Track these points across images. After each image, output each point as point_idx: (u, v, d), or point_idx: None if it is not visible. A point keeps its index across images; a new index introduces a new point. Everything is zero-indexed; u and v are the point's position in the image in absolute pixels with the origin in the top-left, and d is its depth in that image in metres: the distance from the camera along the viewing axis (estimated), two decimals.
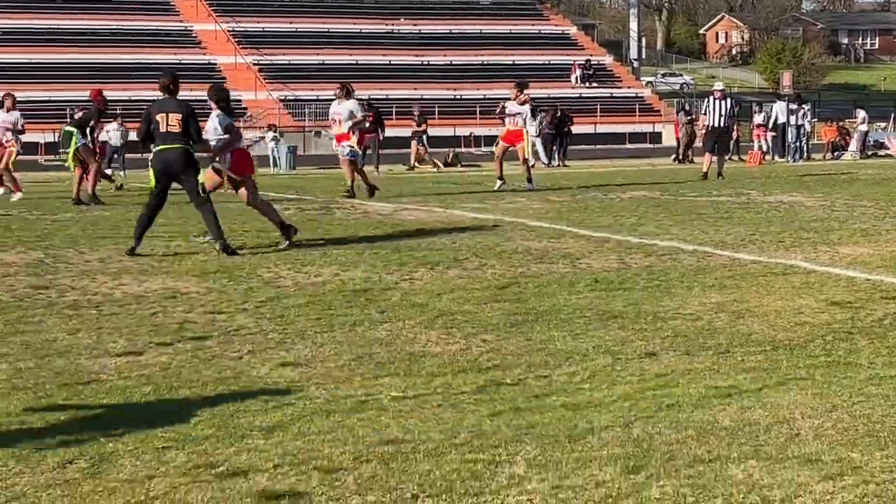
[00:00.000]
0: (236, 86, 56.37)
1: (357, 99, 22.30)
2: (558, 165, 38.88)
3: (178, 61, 57.54)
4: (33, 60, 55.12)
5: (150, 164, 13.48)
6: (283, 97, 55.11)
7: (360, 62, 59.68)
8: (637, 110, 60.58)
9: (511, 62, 62.16)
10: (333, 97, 21.57)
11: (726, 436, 5.79)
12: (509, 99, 23.18)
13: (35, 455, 5.55)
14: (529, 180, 22.58)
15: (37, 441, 5.77)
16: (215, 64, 58.42)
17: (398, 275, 11.13)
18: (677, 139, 41.44)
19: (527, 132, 23.07)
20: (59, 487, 5.12)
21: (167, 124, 13.14)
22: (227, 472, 5.30)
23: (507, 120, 23.06)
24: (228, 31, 60.28)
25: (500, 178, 22.74)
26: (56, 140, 30.39)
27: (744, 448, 5.59)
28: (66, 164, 21.37)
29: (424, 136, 40.34)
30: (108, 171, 30.60)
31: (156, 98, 14.28)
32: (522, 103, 22.74)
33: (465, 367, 7.38)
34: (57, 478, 5.24)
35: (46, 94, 50.08)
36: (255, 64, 57.96)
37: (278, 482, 5.17)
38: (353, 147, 20.67)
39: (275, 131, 43.05)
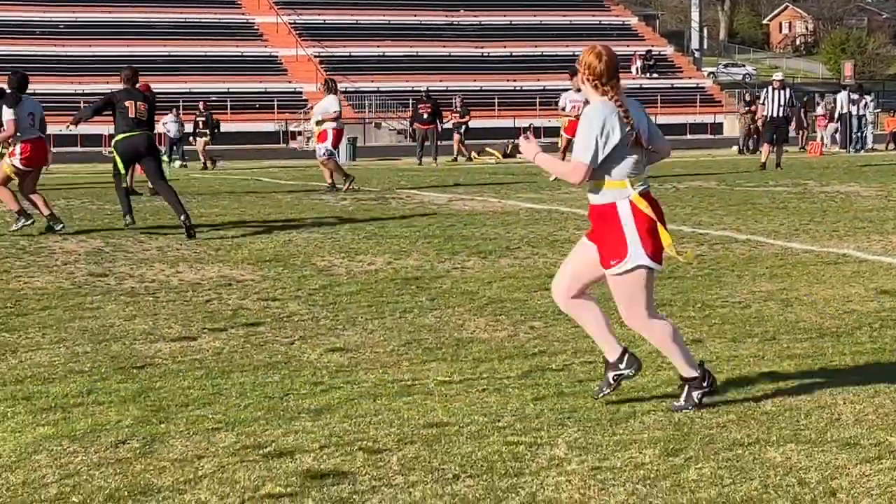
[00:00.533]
0: (297, 78, 56.82)
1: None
2: None
3: (239, 54, 58.09)
4: (97, 53, 55.79)
5: (114, 148, 14.15)
6: (343, 89, 55.38)
7: (419, 54, 59.86)
8: (698, 101, 60.29)
9: (571, 53, 62.03)
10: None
11: (767, 420, 5.85)
12: (568, 90, 23.26)
13: (89, 435, 5.72)
14: None
15: (92, 422, 5.94)
16: (276, 56, 58.84)
17: (450, 263, 11.25)
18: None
19: None
20: (112, 466, 5.27)
21: (136, 111, 13.78)
22: (274, 453, 5.43)
23: (568, 109, 23.13)
24: (290, 23, 60.66)
25: None
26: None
27: (783, 432, 5.64)
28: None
29: (463, 128, 39.77)
30: (165, 160, 30.96)
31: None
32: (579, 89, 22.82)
33: (511, 352, 7.48)
34: (110, 457, 5.39)
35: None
36: (315, 56, 58.31)
37: (323, 462, 5.29)
38: (328, 148, 20.74)
39: None
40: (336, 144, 21.64)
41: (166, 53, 56.18)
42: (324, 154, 20.69)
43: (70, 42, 56.02)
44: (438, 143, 36.36)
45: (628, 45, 64.53)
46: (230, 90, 54.00)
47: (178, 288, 10.07)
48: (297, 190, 21.32)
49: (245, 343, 7.84)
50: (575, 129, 21.30)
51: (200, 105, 38.35)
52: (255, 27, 61.51)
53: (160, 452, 5.46)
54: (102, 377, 6.91)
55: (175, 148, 38.59)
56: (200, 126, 36.68)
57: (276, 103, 53.64)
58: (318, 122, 21.16)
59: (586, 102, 6.44)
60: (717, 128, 57.87)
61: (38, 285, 10.24)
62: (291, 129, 51.67)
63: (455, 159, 37.79)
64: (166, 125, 39.28)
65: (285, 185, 23.28)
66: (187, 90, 52.01)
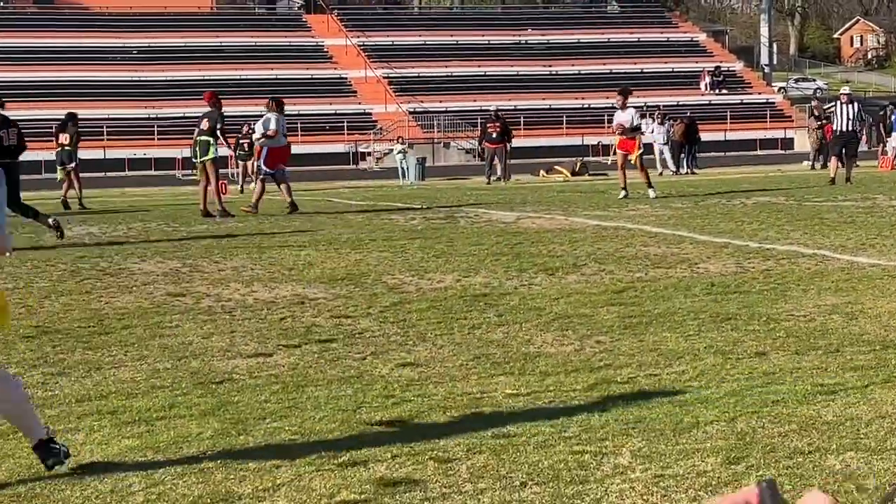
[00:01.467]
0: (366, 99, 57.32)
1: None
2: (686, 173, 38.79)
3: (309, 76, 58.69)
4: (171, 78, 56.64)
5: None
6: (411, 109, 55.79)
7: (488, 73, 60.14)
8: (768, 116, 60.00)
9: (639, 70, 62.11)
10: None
11: (828, 430, 5.98)
12: (616, 109, 23.47)
13: (172, 447, 5.97)
14: (650, 186, 22.73)
15: (174, 434, 6.20)
16: (346, 78, 59.39)
17: (517, 280, 11.45)
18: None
19: (639, 139, 23.25)
20: (195, 475, 5.51)
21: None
22: (349, 462, 5.65)
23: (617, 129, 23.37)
24: (359, 45, 61.24)
25: (624, 188, 22.85)
26: (189, 156, 31.28)
27: (844, 441, 5.77)
28: (196, 172, 22.19)
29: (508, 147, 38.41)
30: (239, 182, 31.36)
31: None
32: (625, 109, 22.95)
33: (577, 366, 7.65)
34: (192, 467, 5.64)
35: (181, 111, 51.43)
36: (384, 77, 58.78)
37: (395, 471, 5.51)
38: (259, 164, 20.64)
39: (402, 143, 43.46)
40: (273, 164, 21.23)
41: (238, 77, 56.93)
42: (260, 172, 20.41)
43: (144, 67, 56.95)
44: (508, 162, 36.54)
45: (697, 62, 64.44)
46: (301, 112, 54.59)
47: (253, 306, 10.35)
48: (367, 210, 21.64)
49: (319, 359, 8.09)
50: (626, 146, 21.02)
51: (244, 128, 37.48)
52: (325, 50, 62.15)
53: (240, 462, 5.70)
54: (183, 392, 7.18)
55: (257, 170, 38.74)
56: (245, 148, 36.09)
57: (345, 124, 54.16)
58: (258, 139, 21.35)
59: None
60: (787, 143, 57.58)
61: (119, 305, 10.58)
62: (361, 149, 52.14)
63: (498, 178, 37.13)
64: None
65: (356, 205, 23.60)
66: (260, 113, 52.64)
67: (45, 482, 5.41)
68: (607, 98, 58.36)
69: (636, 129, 23.17)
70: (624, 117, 22.92)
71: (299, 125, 52.73)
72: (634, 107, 23.59)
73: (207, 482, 5.39)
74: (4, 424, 6.41)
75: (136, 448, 5.94)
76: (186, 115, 51.03)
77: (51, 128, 48.72)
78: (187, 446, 5.96)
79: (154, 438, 6.12)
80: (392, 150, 43.91)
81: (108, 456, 5.82)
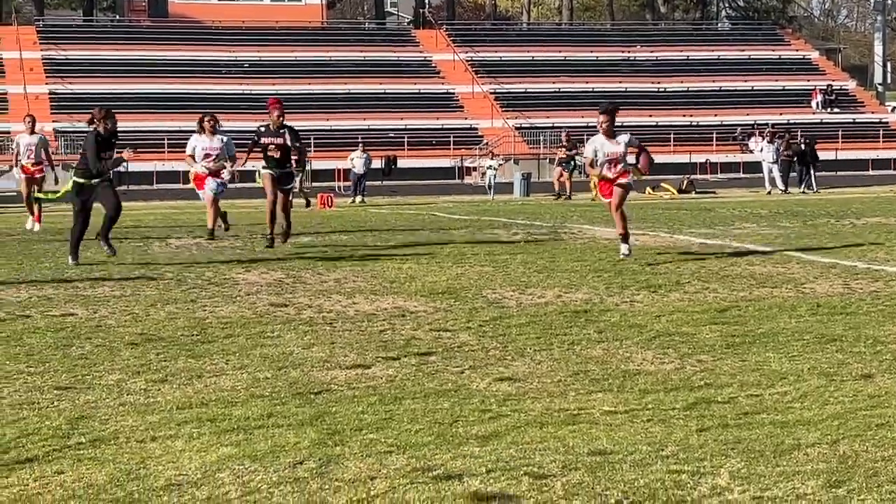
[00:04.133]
0: (473, 114, 57.43)
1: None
2: (803, 192, 38.25)
3: (417, 90, 58.97)
4: (279, 92, 57.27)
5: None
6: (518, 125, 55.75)
7: (595, 89, 59.87)
8: (881, 136, 58.91)
9: (749, 88, 61.39)
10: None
11: None
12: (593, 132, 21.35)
13: (269, 455, 6.01)
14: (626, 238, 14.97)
15: (272, 443, 6.24)
16: (453, 93, 59.54)
17: (619, 297, 11.36)
18: None
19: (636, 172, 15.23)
20: (290, 485, 5.54)
21: None
22: (443, 476, 5.64)
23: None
24: (466, 60, 61.38)
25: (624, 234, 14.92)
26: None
27: None
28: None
29: (572, 162, 37.90)
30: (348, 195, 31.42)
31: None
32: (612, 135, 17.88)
33: (677, 385, 7.57)
34: (288, 476, 5.67)
35: (292, 124, 51.88)
36: (491, 92, 58.83)
37: (490, 485, 5.48)
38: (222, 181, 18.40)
39: (493, 159, 42.88)
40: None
41: (346, 91, 57.39)
42: (217, 190, 18.38)
43: (255, 81, 57.66)
44: None
45: (808, 80, 63.47)
46: (408, 126, 54.86)
47: (353, 318, 10.41)
48: (470, 225, 21.66)
49: (417, 371, 8.10)
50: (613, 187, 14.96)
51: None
52: (433, 64, 62.40)
53: (335, 473, 5.72)
54: (282, 401, 7.23)
55: (360, 182, 39.21)
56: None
57: (452, 139, 54.30)
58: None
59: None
60: None
61: (222, 314, 10.70)
62: (467, 164, 52.22)
63: (558, 196, 36.71)
64: (353, 161, 40.02)
65: (459, 219, 23.63)
66: (366, 127, 53.04)
67: (143, 488, 5.48)
68: (715, 115, 57.92)
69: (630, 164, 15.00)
70: (611, 147, 14.70)
71: (406, 139, 53.03)
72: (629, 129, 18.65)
73: (303, 491, 5.42)
74: (105, 430, 6.52)
75: (233, 456, 5.99)
76: (296, 127, 51.58)
77: (163, 139, 49.60)
78: (284, 455, 6.00)
79: (252, 447, 6.17)
80: (484, 165, 43.74)
81: (206, 463, 5.87)
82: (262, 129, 17.68)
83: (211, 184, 18.19)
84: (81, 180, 14.96)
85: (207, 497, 5.34)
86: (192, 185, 18.75)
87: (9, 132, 45.45)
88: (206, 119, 18.64)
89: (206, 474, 5.69)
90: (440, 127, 55.98)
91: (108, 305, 11.27)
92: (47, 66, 57.51)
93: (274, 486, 5.52)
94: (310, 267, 14.31)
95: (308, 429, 6.53)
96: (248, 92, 56.92)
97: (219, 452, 6.06)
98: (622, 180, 14.58)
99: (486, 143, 53.30)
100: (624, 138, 14.73)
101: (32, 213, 22.40)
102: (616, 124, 14.66)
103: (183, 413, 6.92)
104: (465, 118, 57.58)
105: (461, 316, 10.43)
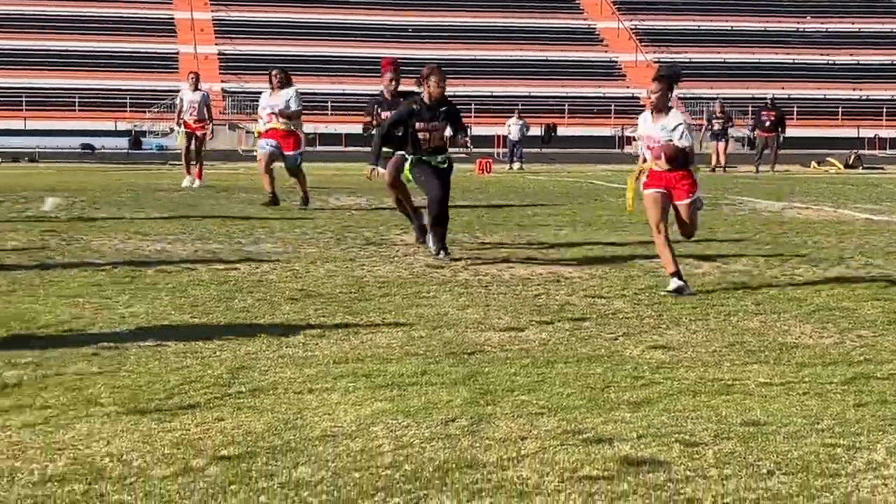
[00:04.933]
0: (636, 83, 56.93)
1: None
2: None
3: (579, 58, 58.69)
4: (445, 56, 57.56)
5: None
6: (681, 95, 55.10)
7: (762, 61, 58.85)
8: None
9: None
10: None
11: None
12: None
13: (422, 412, 6.10)
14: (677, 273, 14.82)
15: (424, 400, 6.33)
16: (616, 61, 59.11)
17: (778, 270, 11.20)
18: None
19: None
20: (441, 441, 5.62)
21: None
22: (593, 439, 5.65)
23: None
24: (631, 28, 60.82)
25: (676, 272, 12.13)
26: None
27: None
28: None
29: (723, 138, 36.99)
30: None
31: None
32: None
33: (836, 359, 7.44)
34: (440, 432, 5.75)
35: (454, 90, 52.16)
36: (655, 61, 58.16)
37: (640, 450, 5.48)
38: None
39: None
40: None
41: (508, 58, 57.39)
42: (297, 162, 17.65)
43: (420, 45, 57.99)
44: (778, 151, 35.68)
45: None
46: (568, 94, 54.66)
47: (509, 282, 10.46)
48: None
49: (570, 336, 8.11)
50: (668, 182, 14.12)
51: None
52: (596, 32, 61.99)
53: (486, 431, 5.77)
54: (435, 360, 7.32)
55: (515, 149, 39.34)
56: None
57: (612, 108, 53.93)
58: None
59: None
60: None
61: (379, 274, 10.86)
62: (627, 133, 51.83)
63: (713, 170, 35.79)
64: (510, 127, 40.16)
65: (617, 188, 23.49)
66: (527, 94, 53.03)
67: (299, 437, 5.61)
68: (886, 90, 56.41)
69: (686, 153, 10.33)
70: (652, 129, 10.20)
71: (567, 107, 52.83)
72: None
73: (454, 448, 5.49)
74: (264, 381, 6.69)
75: (387, 411, 6.09)
76: (458, 93, 51.83)
77: (326, 101, 50.22)
78: (436, 412, 6.08)
79: (405, 403, 6.26)
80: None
81: (361, 416, 5.98)
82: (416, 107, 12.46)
83: (263, 143, 17.44)
84: None
85: (361, 449, 5.45)
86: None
87: (179, 91, 46.65)
88: (273, 73, 17.70)
89: (360, 427, 5.79)
90: (601, 95, 55.65)
91: (270, 261, 11.53)
92: (217, 27, 58.72)
93: (426, 441, 5.60)
94: (467, 230, 14.40)
95: (461, 388, 6.60)
96: (412, 57, 57.28)
97: (373, 407, 6.17)
98: (684, 200, 10.15)
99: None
100: (674, 121, 10.04)
101: (189, 171, 22.89)
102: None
103: (339, 367, 7.06)
104: (627, 87, 57.10)
105: (616, 283, 10.40)
